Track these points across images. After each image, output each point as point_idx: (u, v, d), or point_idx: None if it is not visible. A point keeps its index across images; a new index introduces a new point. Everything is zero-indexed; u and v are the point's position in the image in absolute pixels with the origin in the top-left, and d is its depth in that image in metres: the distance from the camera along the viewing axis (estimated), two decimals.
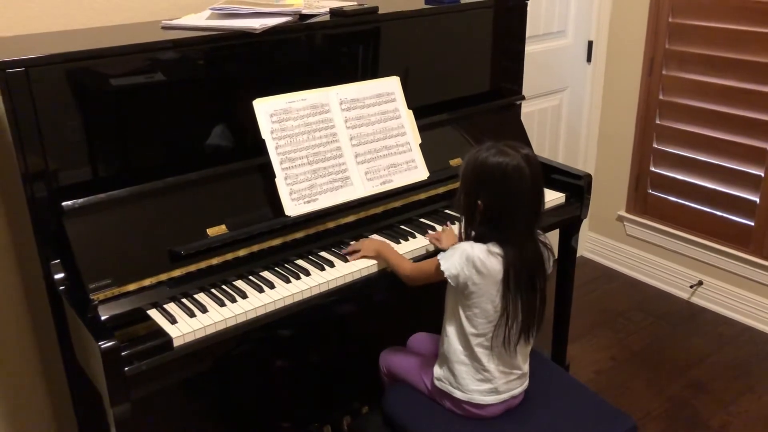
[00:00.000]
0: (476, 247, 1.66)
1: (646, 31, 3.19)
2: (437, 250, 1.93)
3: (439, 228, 2.07)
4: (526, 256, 1.66)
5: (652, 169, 3.34)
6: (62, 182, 1.69)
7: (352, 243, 1.96)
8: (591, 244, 3.71)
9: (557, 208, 2.34)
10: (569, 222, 2.39)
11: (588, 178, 2.35)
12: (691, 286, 3.28)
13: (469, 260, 1.64)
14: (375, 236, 2.03)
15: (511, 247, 1.64)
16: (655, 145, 3.29)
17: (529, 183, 1.61)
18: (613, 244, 3.60)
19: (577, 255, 2.56)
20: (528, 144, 2.49)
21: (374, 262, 1.91)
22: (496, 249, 1.65)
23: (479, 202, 1.64)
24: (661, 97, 3.22)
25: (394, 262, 1.86)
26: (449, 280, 1.67)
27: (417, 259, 1.96)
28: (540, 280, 1.70)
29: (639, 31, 3.21)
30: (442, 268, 1.67)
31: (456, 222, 2.03)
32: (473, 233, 1.72)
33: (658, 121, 3.25)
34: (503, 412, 1.78)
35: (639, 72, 3.26)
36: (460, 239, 1.76)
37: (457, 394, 1.76)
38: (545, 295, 1.73)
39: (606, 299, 3.35)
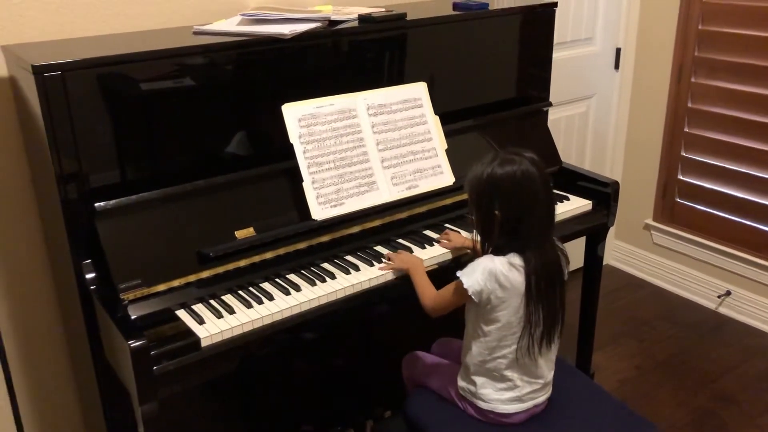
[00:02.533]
0: (497, 261, 1.65)
1: (674, 39, 3.16)
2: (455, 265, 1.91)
3: (465, 234, 2.07)
4: (546, 261, 1.66)
5: (680, 177, 3.30)
6: (95, 184, 1.72)
7: (389, 253, 1.95)
8: (617, 253, 3.68)
9: (584, 216, 2.33)
10: (595, 230, 2.38)
11: (615, 185, 2.34)
12: (719, 296, 3.23)
13: (492, 275, 1.64)
14: (417, 252, 2.00)
15: (531, 254, 1.65)
16: (683, 153, 3.26)
17: (540, 184, 1.63)
18: (640, 252, 3.57)
19: (603, 263, 2.54)
20: (554, 150, 2.49)
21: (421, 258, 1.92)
22: (516, 260, 1.65)
23: (496, 213, 1.65)
24: (689, 104, 3.19)
25: (419, 287, 1.83)
26: (473, 297, 1.66)
27: (442, 265, 1.97)
28: (559, 284, 1.71)
29: (668, 38, 3.18)
30: (466, 285, 1.66)
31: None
32: (490, 248, 1.71)
33: (686, 129, 3.22)
34: (527, 419, 1.78)
35: (667, 79, 3.23)
36: (479, 254, 1.76)
37: (480, 404, 1.76)
38: (565, 299, 1.73)
39: (632, 308, 3.32)
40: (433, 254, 1.99)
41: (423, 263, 1.91)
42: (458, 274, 1.69)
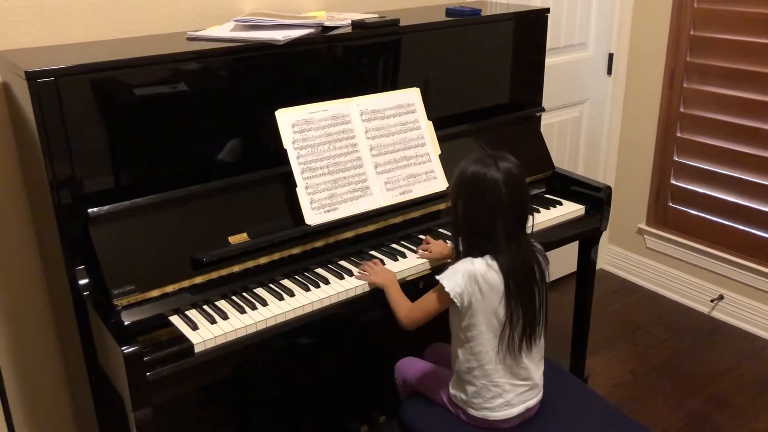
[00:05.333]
0: (476, 263, 1.67)
1: (667, 44, 3.18)
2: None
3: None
4: (519, 262, 1.67)
5: (673, 181, 3.32)
6: (88, 189, 1.72)
7: (367, 264, 1.93)
8: (611, 257, 3.69)
9: (577, 220, 2.34)
10: (589, 234, 2.39)
11: (608, 190, 2.35)
12: (712, 300, 3.25)
13: (471, 276, 1.66)
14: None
15: (502, 256, 1.66)
16: (675, 158, 3.28)
17: (505, 191, 1.63)
18: (633, 257, 3.58)
19: (597, 268, 2.55)
20: (547, 155, 2.50)
21: (395, 272, 1.92)
22: (492, 262, 1.67)
23: (459, 211, 1.68)
24: (681, 109, 3.20)
25: (395, 301, 1.82)
26: (455, 300, 1.67)
27: (436, 269, 1.97)
28: (537, 284, 1.71)
29: (660, 43, 3.20)
30: (447, 288, 1.66)
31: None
32: (461, 246, 1.73)
33: (678, 134, 3.24)
34: (520, 423, 1.78)
35: (660, 84, 3.25)
36: (454, 255, 1.77)
37: (471, 411, 1.77)
38: (545, 299, 1.74)
39: (625, 312, 3.33)
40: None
41: (396, 277, 1.90)
42: (438, 277, 1.70)
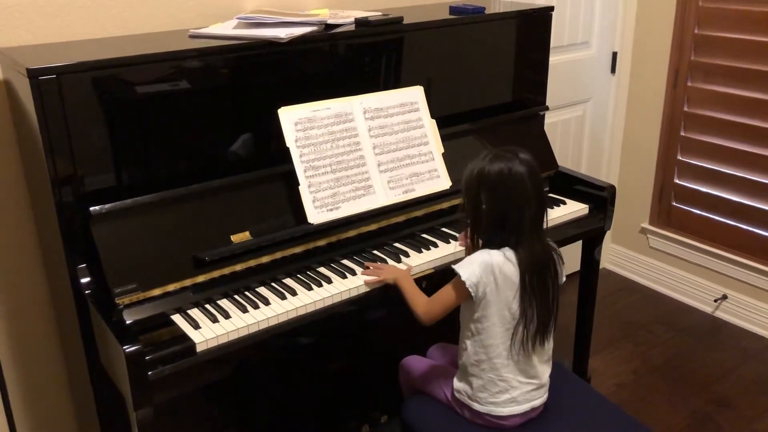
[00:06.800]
0: (494, 254, 1.68)
1: (671, 43, 3.17)
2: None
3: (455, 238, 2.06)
4: (537, 258, 1.68)
5: (677, 181, 3.31)
6: (90, 187, 1.71)
7: (372, 264, 1.92)
8: (614, 256, 3.68)
9: (580, 220, 2.33)
10: (592, 233, 2.38)
11: (611, 189, 2.34)
12: (715, 300, 3.24)
13: (488, 267, 1.66)
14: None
15: (523, 249, 1.67)
16: (679, 157, 3.27)
17: (529, 182, 1.65)
18: (636, 256, 3.57)
19: (600, 267, 2.54)
20: (551, 153, 2.49)
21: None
22: (510, 254, 1.68)
23: (483, 206, 1.68)
24: (685, 108, 3.19)
25: (411, 296, 1.81)
26: (469, 290, 1.67)
27: (439, 269, 1.97)
28: (552, 280, 1.72)
29: (664, 42, 3.19)
30: (463, 277, 1.67)
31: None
32: (481, 241, 1.74)
33: (682, 133, 3.23)
34: (524, 422, 1.77)
35: (664, 83, 3.24)
36: (471, 249, 1.77)
37: (476, 406, 1.76)
38: (558, 297, 1.74)
39: (628, 312, 3.32)
40: (430, 258, 1.99)
41: (409, 271, 1.90)
42: (454, 267, 1.70)
